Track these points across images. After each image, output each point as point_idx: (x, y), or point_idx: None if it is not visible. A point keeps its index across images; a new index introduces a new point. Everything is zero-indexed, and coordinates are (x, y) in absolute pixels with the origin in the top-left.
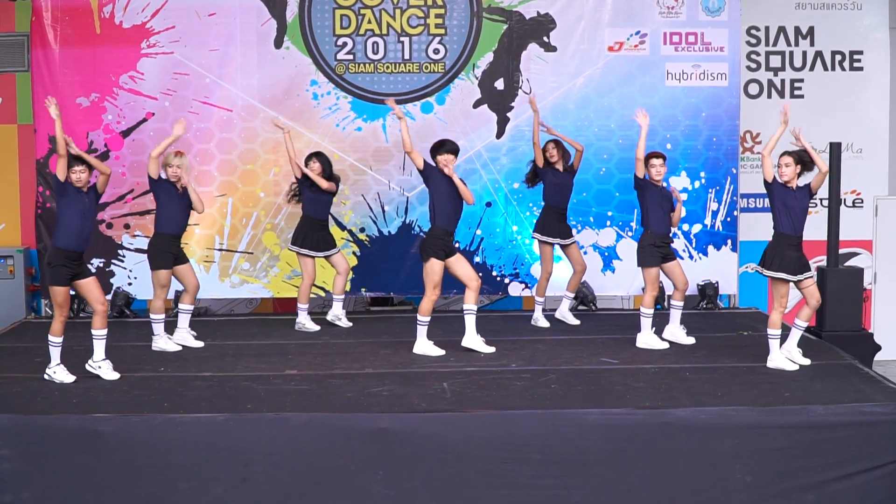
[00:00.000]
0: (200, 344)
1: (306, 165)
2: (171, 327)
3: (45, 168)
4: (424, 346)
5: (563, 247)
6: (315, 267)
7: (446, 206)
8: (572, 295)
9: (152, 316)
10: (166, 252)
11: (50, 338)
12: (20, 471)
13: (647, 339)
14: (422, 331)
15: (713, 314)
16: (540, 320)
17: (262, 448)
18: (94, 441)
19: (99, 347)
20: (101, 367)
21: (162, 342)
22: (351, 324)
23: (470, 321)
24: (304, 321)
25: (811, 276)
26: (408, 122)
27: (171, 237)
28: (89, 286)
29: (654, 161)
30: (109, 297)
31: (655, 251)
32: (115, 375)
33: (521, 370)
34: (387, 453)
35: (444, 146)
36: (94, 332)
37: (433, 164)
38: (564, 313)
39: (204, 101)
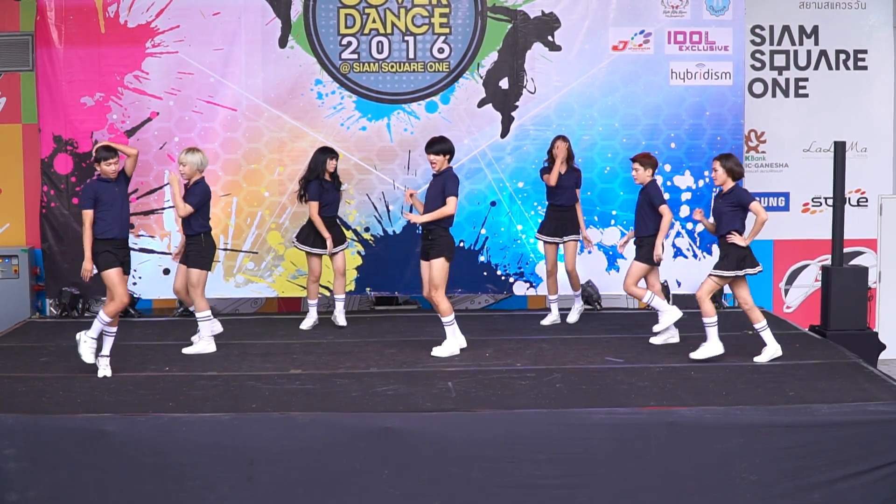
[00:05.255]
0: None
1: (329, 161)
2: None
3: (50, 168)
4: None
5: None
6: (321, 265)
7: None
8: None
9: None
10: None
11: (100, 314)
12: (25, 470)
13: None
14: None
15: (717, 314)
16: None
17: (267, 447)
18: (99, 440)
19: (108, 343)
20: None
21: (203, 345)
22: (345, 323)
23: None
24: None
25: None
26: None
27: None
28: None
29: (633, 164)
30: None
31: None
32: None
33: (525, 369)
34: (392, 452)
35: (430, 146)
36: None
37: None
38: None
39: (208, 101)
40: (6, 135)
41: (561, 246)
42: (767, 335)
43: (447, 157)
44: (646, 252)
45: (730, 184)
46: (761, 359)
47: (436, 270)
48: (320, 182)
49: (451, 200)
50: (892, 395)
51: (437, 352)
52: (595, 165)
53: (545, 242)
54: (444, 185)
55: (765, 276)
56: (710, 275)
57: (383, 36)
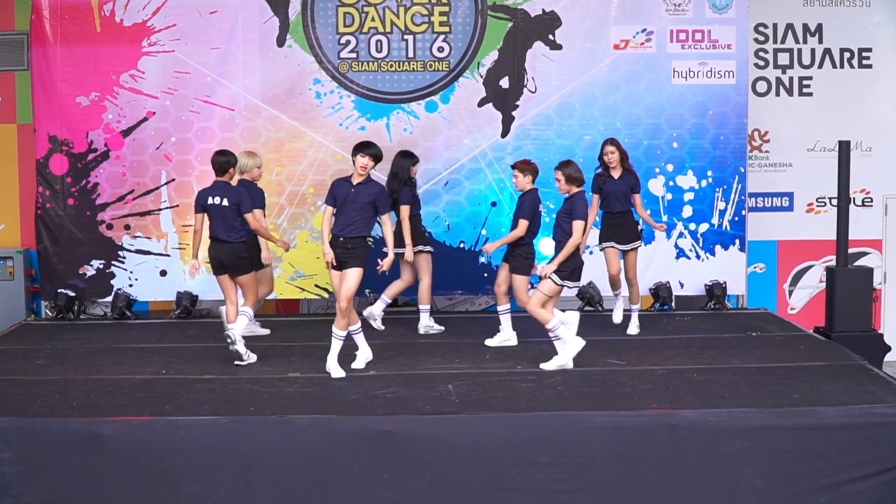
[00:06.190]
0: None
1: (413, 167)
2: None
3: (45, 168)
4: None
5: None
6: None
7: None
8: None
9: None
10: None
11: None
12: (21, 474)
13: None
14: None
15: (721, 315)
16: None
17: (265, 451)
18: (95, 444)
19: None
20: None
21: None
22: (383, 327)
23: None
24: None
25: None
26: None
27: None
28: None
29: (513, 171)
30: (110, 298)
31: None
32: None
33: (526, 372)
34: (391, 456)
35: (366, 147)
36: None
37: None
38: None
39: (205, 100)
40: (1, 135)
41: (622, 254)
42: (569, 332)
43: (376, 163)
44: (518, 263)
45: (574, 190)
46: (548, 365)
47: (353, 281)
48: (410, 187)
49: (386, 219)
50: None
51: (358, 364)
52: (595, 166)
53: (605, 248)
54: (375, 199)
55: (769, 277)
56: (548, 280)
57: (382, 35)
